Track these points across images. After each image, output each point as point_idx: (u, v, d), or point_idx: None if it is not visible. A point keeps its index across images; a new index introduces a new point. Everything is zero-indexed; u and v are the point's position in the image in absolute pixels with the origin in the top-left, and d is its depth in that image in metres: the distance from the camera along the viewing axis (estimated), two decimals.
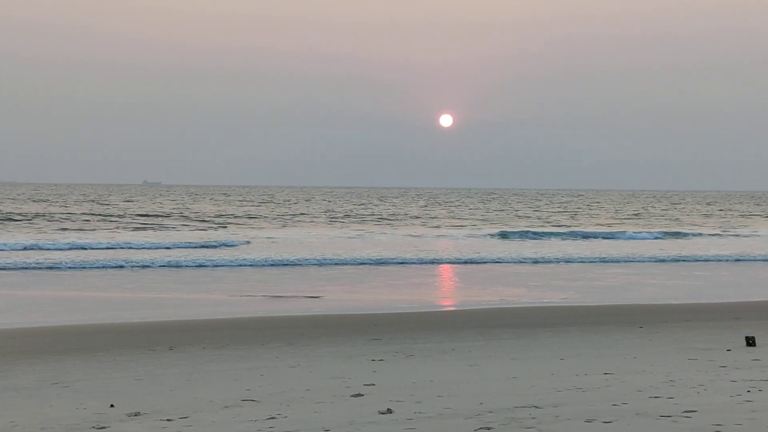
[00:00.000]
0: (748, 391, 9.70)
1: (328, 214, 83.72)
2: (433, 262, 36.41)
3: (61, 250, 38.78)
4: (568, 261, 37.63)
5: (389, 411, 9.07)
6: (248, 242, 45.45)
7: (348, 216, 79.50)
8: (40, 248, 39.39)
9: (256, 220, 72.25)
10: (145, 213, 77.45)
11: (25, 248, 39.17)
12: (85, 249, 39.25)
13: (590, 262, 37.49)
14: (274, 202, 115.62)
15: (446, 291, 28.22)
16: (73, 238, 45.06)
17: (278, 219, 74.14)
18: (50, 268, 31.99)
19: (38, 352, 14.59)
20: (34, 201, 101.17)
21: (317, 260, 35.16)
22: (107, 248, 39.94)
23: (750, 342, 14.18)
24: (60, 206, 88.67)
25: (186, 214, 78.15)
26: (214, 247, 42.22)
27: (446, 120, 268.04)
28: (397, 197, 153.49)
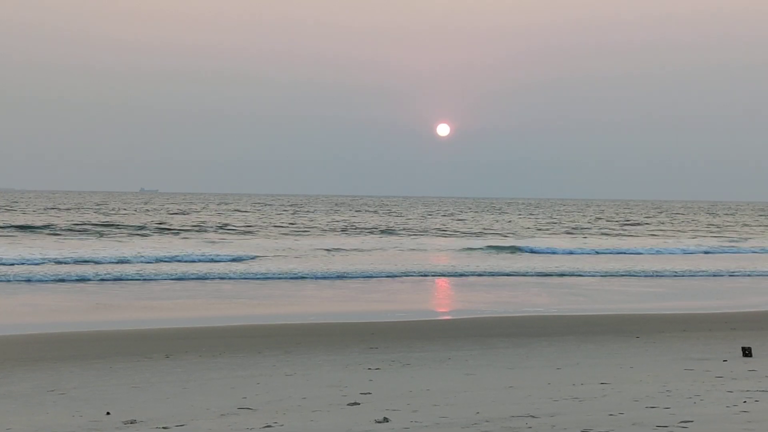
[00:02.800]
0: (745, 402, 9.71)
1: (350, 225, 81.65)
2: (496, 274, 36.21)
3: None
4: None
5: (385, 420, 9.06)
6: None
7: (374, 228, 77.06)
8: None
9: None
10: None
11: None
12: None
13: None
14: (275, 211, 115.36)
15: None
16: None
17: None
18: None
19: (35, 359, 14.57)
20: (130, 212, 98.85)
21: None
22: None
23: (746, 352, 14.19)
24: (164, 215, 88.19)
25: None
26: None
27: (443, 127, 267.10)
28: (401, 206, 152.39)
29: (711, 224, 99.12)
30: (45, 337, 17.55)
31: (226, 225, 76.02)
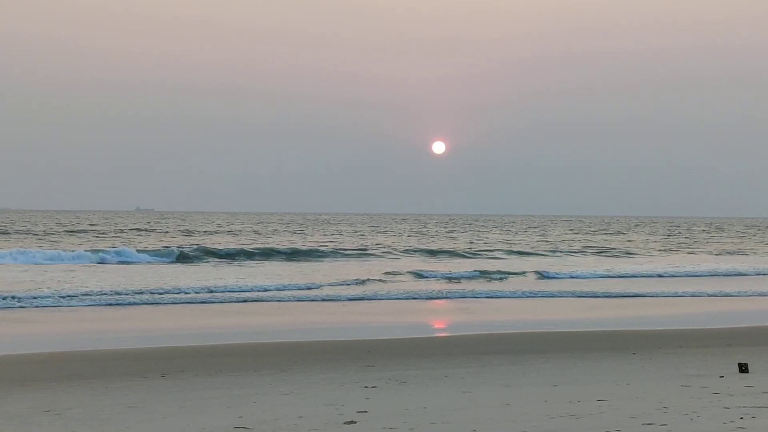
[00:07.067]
0: (741, 418, 9.70)
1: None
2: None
3: None
4: None
5: None
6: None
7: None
8: None
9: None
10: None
11: None
12: None
13: None
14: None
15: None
16: None
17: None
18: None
19: (30, 379, 14.53)
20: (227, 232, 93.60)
21: None
22: None
23: (743, 368, 14.18)
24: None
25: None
26: None
27: (439, 143, 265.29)
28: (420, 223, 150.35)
29: None
30: (40, 356, 17.51)
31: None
